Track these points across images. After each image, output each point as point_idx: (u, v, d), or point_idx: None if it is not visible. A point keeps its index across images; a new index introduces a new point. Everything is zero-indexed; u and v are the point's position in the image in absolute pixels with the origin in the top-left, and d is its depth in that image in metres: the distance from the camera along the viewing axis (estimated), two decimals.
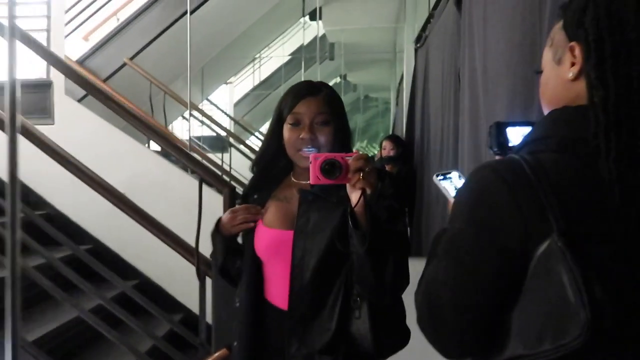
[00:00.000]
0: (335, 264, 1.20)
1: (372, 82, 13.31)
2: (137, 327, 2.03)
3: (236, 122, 7.50)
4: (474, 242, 0.73)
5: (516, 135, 1.01)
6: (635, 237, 0.66)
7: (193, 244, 1.73)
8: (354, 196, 1.10)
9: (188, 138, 4.03)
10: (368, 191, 1.09)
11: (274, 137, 1.30)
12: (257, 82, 9.57)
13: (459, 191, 0.83)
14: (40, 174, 2.79)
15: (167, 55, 4.33)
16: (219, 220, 1.32)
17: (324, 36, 8.77)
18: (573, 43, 0.75)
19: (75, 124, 3.26)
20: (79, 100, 3.45)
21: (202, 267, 1.71)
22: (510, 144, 0.99)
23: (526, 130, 0.94)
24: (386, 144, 3.62)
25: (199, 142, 5.72)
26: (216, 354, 1.61)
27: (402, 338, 1.24)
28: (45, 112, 3.14)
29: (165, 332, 2.49)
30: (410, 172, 3.51)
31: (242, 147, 6.07)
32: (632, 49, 0.69)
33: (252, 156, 5.21)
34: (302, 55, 7.41)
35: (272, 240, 1.27)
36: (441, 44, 3.35)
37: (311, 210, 1.24)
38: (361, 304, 1.17)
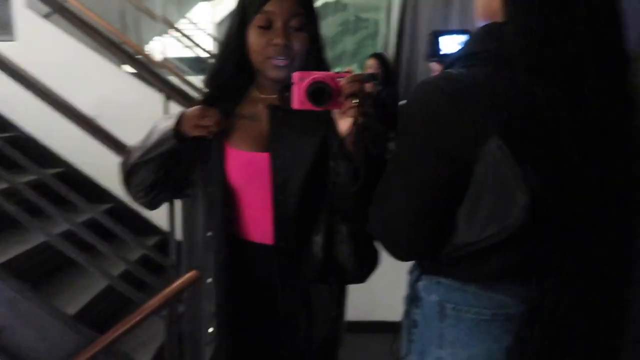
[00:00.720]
0: (318, 188, 1.08)
1: (363, 1, 12.75)
2: (108, 250, 2.00)
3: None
4: (421, 152, 0.81)
5: (450, 43, 1.17)
6: (558, 135, 0.75)
7: None
8: (344, 124, 0.94)
9: (162, 58, 3.82)
10: (360, 120, 0.92)
11: (235, 42, 1.09)
12: None
13: (404, 106, 0.86)
14: (4, 95, 2.65)
15: None
16: (181, 115, 1.11)
17: None
18: None
19: (40, 42, 3.06)
20: (46, 17, 3.23)
21: None
22: (441, 52, 1.19)
23: (460, 37, 1.18)
24: (371, 63, 3.35)
25: (177, 63, 5.48)
26: (186, 276, 1.58)
27: (375, 258, 1.15)
28: (3, 27, 2.93)
29: (139, 255, 2.48)
30: (393, 94, 3.38)
31: None
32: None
33: None
34: None
35: (245, 164, 1.12)
36: None
37: (285, 129, 1.10)
38: (342, 228, 1.10)
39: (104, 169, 2.88)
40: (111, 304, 2.22)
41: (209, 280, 1.14)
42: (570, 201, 0.76)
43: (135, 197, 1.20)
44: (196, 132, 1.09)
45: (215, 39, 7.19)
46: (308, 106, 0.93)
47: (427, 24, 3.46)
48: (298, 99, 0.93)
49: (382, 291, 2.03)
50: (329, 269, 1.12)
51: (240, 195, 1.13)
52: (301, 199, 1.10)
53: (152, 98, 3.05)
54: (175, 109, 2.05)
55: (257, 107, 1.13)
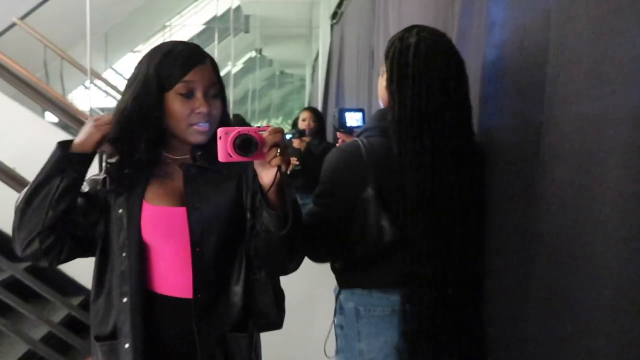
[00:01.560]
0: (236, 238, 1.13)
1: (289, 58, 13.19)
2: (29, 312, 1.86)
3: None
4: (331, 193, 1.22)
5: (351, 118, 1.68)
6: (407, 189, 1.17)
7: None
8: (267, 174, 1.01)
9: (89, 109, 3.73)
10: (283, 169, 1.00)
11: (154, 109, 1.07)
12: None
13: (325, 162, 1.26)
14: None
15: (65, 18, 3.95)
16: (69, 143, 1.06)
17: (239, 7, 8.52)
18: (385, 65, 1.24)
19: None
20: None
21: None
22: (348, 124, 1.66)
23: (356, 114, 1.70)
24: (306, 115, 3.27)
25: (101, 113, 5.35)
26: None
27: (283, 300, 1.20)
28: None
29: (63, 316, 2.31)
30: (327, 149, 3.48)
31: None
32: (409, 81, 1.18)
33: None
34: (215, 26, 7.12)
35: (162, 219, 1.12)
36: (356, 22, 3.36)
37: (199, 184, 1.13)
38: (260, 275, 1.14)
39: None
40: None
41: (127, 345, 1.10)
42: (419, 229, 1.16)
43: (26, 245, 1.07)
44: (105, 131, 1.06)
45: None
46: (235, 158, 0.98)
47: (350, 80, 3.65)
48: (224, 152, 0.99)
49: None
50: (249, 317, 1.14)
51: (157, 250, 1.13)
52: (219, 251, 1.12)
53: None
54: None
55: (169, 167, 1.15)
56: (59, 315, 2.32)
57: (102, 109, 6.12)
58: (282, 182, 1.01)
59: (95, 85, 5.06)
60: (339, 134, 1.64)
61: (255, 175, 1.06)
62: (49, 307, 2.28)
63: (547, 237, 1.01)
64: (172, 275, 1.13)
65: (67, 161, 1.06)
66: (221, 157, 0.99)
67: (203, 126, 1.09)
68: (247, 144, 0.98)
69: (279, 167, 0.99)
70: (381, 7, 2.59)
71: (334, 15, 4.47)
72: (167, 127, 1.10)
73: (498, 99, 1.28)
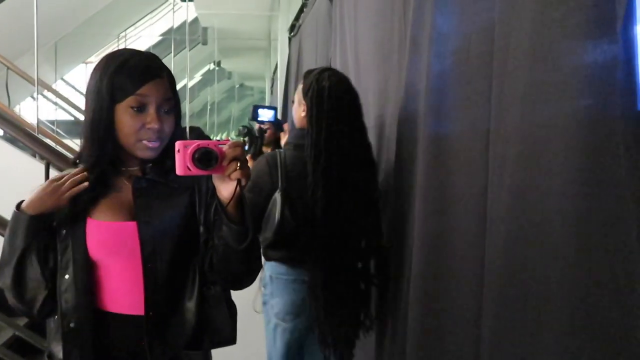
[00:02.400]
0: (188, 253, 1.10)
1: (248, 71, 13.15)
2: None
3: None
4: (256, 193, 1.63)
5: (263, 113, 2.33)
6: (316, 193, 1.61)
7: None
8: (226, 188, 0.99)
9: (36, 120, 3.59)
10: (243, 182, 0.99)
11: (106, 120, 1.05)
12: None
13: (254, 164, 1.73)
14: None
15: (12, 27, 3.81)
16: (23, 202, 1.05)
17: (196, 19, 8.45)
18: (305, 100, 1.67)
19: None
20: None
21: None
22: (259, 118, 2.29)
23: (269, 111, 2.37)
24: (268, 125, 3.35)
25: (52, 126, 5.17)
26: None
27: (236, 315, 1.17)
28: None
29: (7, 337, 2.19)
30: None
31: None
32: (324, 115, 1.62)
33: None
34: (172, 37, 7.02)
35: (110, 234, 1.08)
36: (314, 34, 3.38)
37: (149, 198, 1.09)
38: (215, 291, 1.11)
39: None
40: None
41: None
42: (311, 221, 1.61)
43: (38, 305, 1.08)
44: (68, 197, 1.05)
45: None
46: (194, 171, 0.96)
47: None
48: (183, 165, 0.96)
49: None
50: (203, 333, 1.11)
51: (105, 267, 1.09)
52: (171, 266, 1.09)
53: (23, 160, 2.84)
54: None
55: (118, 180, 1.11)
56: (4, 336, 2.20)
57: (52, 121, 5.92)
58: (242, 195, 1.00)
59: (44, 96, 4.89)
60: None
61: (210, 188, 1.05)
62: None
63: (498, 241, 1.03)
64: (123, 292, 1.09)
65: (40, 224, 1.04)
66: (179, 170, 0.96)
67: (153, 143, 1.06)
68: (207, 158, 0.96)
69: (239, 181, 0.98)
70: (337, 19, 2.62)
71: (292, 28, 4.49)
72: (116, 140, 1.07)
73: (445, 108, 1.33)
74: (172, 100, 1.08)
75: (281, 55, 5.44)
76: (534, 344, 0.92)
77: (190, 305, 1.10)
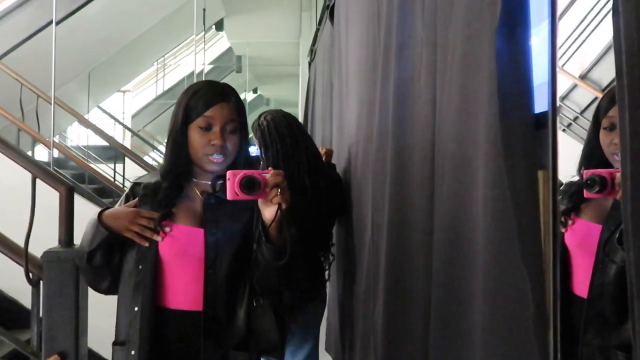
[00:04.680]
0: (243, 265, 1.23)
1: (283, 96, 13.41)
2: None
3: (131, 131, 7.22)
4: None
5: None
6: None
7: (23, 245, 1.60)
8: (269, 211, 1.14)
9: (51, 139, 3.79)
10: (284, 206, 1.13)
11: (180, 138, 1.25)
12: (160, 91, 9.31)
13: None
14: None
15: (44, 59, 4.08)
16: (107, 210, 1.26)
17: (230, 49, 8.74)
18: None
19: None
20: None
21: (33, 269, 1.60)
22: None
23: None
24: None
25: (84, 150, 5.44)
26: None
27: (284, 329, 1.32)
28: None
29: (8, 351, 2.28)
30: None
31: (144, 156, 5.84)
32: (286, 150, 1.97)
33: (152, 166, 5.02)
34: (201, 70, 7.29)
35: (181, 237, 1.24)
36: (322, 57, 3.45)
37: (217, 213, 1.25)
38: (263, 302, 1.24)
39: None
40: None
41: (133, 352, 1.21)
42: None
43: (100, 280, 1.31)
44: (129, 235, 1.23)
45: (125, 126, 7.21)
46: (241, 196, 1.12)
47: (318, 113, 3.72)
48: (232, 191, 1.12)
49: None
50: (250, 337, 1.25)
51: (170, 266, 1.24)
52: (228, 276, 1.23)
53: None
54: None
55: (192, 190, 1.29)
56: (4, 350, 2.29)
57: (88, 147, 6.24)
58: (282, 218, 1.14)
59: (80, 123, 5.18)
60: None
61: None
62: None
63: (441, 236, 1.11)
64: (183, 291, 1.24)
65: (110, 239, 1.24)
66: (229, 195, 1.13)
67: (217, 157, 1.24)
68: (251, 185, 1.12)
69: (279, 205, 1.12)
70: (336, 40, 2.68)
71: (310, 53, 4.59)
72: (189, 155, 1.25)
73: (405, 118, 1.37)
74: (236, 122, 1.26)
75: (302, 80, 5.56)
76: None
77: (241, 312, 1.24)
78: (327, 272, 2.24)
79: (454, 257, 1.05)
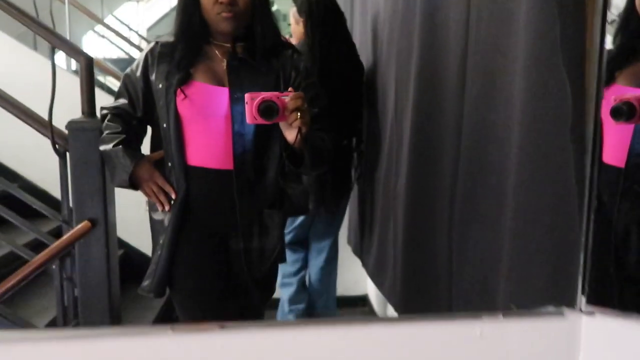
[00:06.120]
0: (270, 129, 1.23)
1: None
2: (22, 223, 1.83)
3: (147, 41, 7.04)
4: None
5: None
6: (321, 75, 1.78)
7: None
8: (290, 134, 1.14)
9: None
10: (304, 130, 1.13)
11: (184, 3, 1.24)
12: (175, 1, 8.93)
13: None
14: None
15: None
16: (140, 169, 1.30)
17: None
18: (301, 18, 1.99)
19: None
20: None
21: (59, 141, 1.62)
22: None
23: None
24: None
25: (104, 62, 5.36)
26: (78, 227, 1.57)
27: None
28: None
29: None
30: None
31: None
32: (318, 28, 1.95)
33: None
34: None
35: (207, 96, 1.25)
36: None
37: (241, 75, 1.24)
38: (291, 168, 1.25)
39: (7, 147, 2.76)
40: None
41: (169, 206, 1.29)
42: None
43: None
44: (145, 191, 1.30)
45: (140, 36, 7.04)
46: (260, 121, 1.11)
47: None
48: (251, 115, 1.11)
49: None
50: (282, 198, 1.31)
51: (191, 124, 1.26)
52: (256, 137, 1.24)
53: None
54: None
55: (213, 51, 1.27)
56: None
57: (113, 60, 6.13)
58: (303, 139, 1.14)
59: (96, 32, 5.06)
60: None
61: (294, 75, 1.26)
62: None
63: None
64: (211, 149, 1.27)
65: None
66: (249, 119, 1.12)
67: (226, 14, 1.20)
68: (269, 111, 1.10)
69: (300, 128, 1.12)
70: None
71: None
72: (202, 16, 1.23)
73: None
74: None
75: None
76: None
77: (271, 174, 1.28)
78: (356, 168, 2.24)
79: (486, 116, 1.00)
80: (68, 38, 3.93)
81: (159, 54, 1.27)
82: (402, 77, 1.63)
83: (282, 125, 1.14)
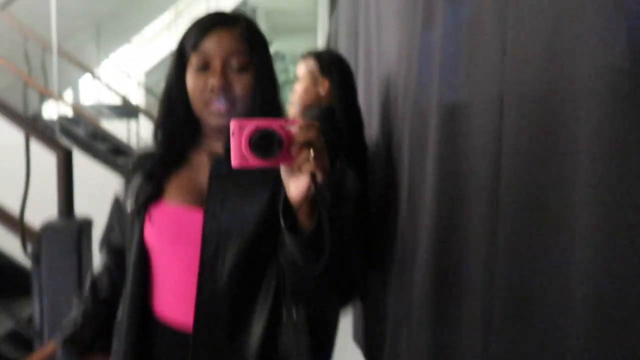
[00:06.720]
0: (261, 262, 0.86)
1: (300, 51, 13.04)
2: None
3: (144, 88, 7.00)
4: None
5: None
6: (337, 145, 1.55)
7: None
8: (296, 185, 0.71)
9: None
10: (319, 178, 0.70)
11: (176, 88, 0.88)
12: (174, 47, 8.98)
13: None
14: None
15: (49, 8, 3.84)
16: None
17: (245, 1, 8.37)
18: (325, 79, 1.65)
19: None
20: None
21: (31, 242, 1.44)
22: None
23: None
24: None
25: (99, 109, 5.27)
26: (48, 347, 1.37)
27: (329, 350, 0.96)
28: None
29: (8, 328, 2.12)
30: None
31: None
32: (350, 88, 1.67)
33: None
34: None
35: (171, 218, 0.88)
36: (345, 9, 3.21)
37: (226, 188, 0.87)
38: (298, 316, 0.85)
39: None
40: None
41: None
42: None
43: None
44: None
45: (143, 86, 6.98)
46: (252, 162, 0.70)
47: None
48: (238, 154, 0.70)
49: None
50: None
51: (161, 261, 0.90)
52: (237, 274, 0.85)
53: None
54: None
55: (197, 156, 0.92)
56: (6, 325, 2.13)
57: (104, 105, 6.05)
58: (318, 196, 0.70)
59: (91, 80, 4.98)
60: None
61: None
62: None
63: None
64: (174, 292, 0.90)
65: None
66: (234, 159, 0.71)
67: (217, 104, 0.85)
68: (267, 143, 0.69)
69: (313, 176, 0.69)
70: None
71: (332, 3, 4.31)
72: (190, 109, 0.88)
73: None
74: (245, 56, 0.85)
75: (322, 35, 5.27)
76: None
77: (257, 330, 0.84)
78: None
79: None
80: (56, 91, 3.85)
81: (134, 167, 0.96)
82: (416, 163, 1.47)
83: (284, 172, 0.73)
